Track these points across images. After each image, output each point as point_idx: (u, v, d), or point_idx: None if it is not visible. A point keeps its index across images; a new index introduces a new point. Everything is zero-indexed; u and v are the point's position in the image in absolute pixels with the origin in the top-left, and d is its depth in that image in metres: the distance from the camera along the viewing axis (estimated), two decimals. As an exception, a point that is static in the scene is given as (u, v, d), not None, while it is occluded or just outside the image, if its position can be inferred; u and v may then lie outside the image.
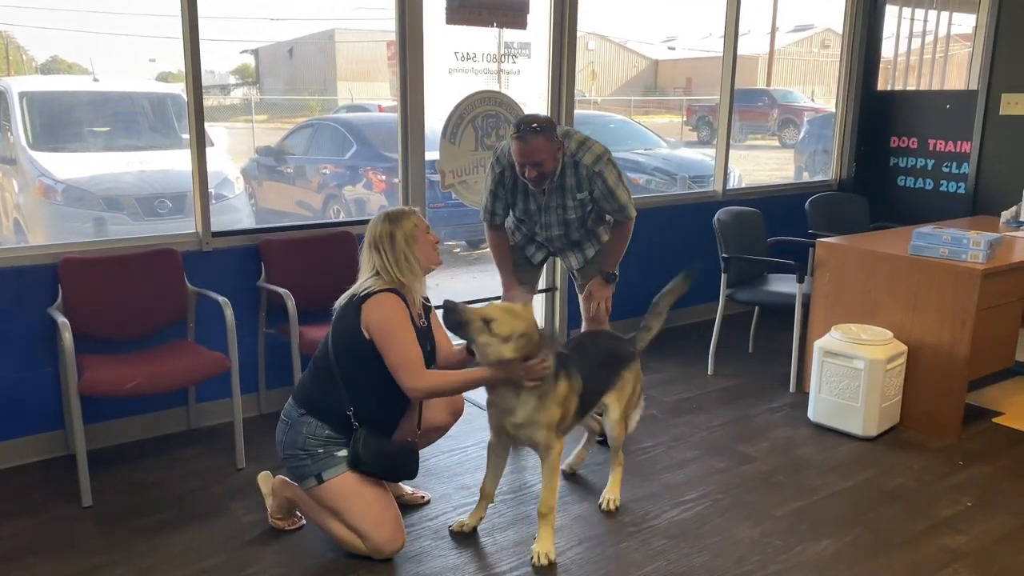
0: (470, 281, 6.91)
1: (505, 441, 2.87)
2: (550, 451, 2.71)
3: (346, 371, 2.63)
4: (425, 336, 2.74)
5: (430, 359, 2.77)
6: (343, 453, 2.63)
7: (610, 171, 3.31)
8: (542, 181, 3.26)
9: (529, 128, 3.13)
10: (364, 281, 2.66)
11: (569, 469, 3.32)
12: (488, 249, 3.76)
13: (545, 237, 3.53)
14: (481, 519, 2.92)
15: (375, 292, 2.60)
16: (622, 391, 3.05)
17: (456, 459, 3.44)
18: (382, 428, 2.72)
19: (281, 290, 3.51)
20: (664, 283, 3.42)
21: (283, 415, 2.72)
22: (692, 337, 4.99)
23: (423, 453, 3.28)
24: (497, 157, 3.40)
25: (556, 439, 2.73)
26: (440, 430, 3.02)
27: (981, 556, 2.78)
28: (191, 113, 3.50)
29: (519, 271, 3.65)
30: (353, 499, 2.61)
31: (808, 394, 3.91)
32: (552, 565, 2.68)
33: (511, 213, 3.53)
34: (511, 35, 4.38)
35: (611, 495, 3.07)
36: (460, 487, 3.20)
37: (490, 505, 3.00)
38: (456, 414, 3.02)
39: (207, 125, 3.60)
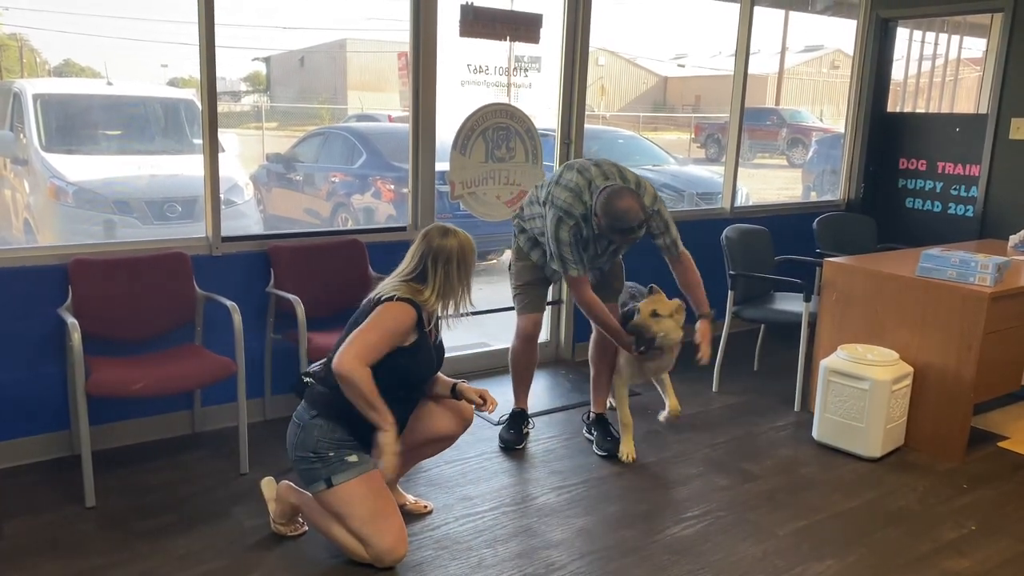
0: (475, 292, 6.91)
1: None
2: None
3: None
4: (434, 345, 2.82)
5: (438, 365, 2.86)
6: (354, 458, 2.63)
7: (663, 206, 3.41)
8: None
9: (637, 226, 3.19)
10: (392, 283, 2.70)
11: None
12: (494, 261, 3.78)
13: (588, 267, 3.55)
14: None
15: (394, 298, 2.64)
16: None
17: (459, 470, 3.44)
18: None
19: (291, 296, 3.52)
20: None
21: (295, 417, 2.72)
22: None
23: (426, 464, 3.29)
24: (566, 210, 3.26)
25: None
26: (448, 439, 3.02)
27: (984, 580, 2.78)
28: (205, 119, 3.52)
29: (535, 288, 3.63)
30: (359, 505, 2.61)
31: (813, 413, 3.90)
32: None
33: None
34: (522, 49, 4.41)
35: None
36: (462, 498, 3.20)
37: (493, 515, 3.05)
38: (465, 424, 2.99)
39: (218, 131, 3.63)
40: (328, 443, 2.63)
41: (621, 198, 3.18)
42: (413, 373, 2.73)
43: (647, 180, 3.43)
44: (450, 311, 2.77)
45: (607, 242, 3.38)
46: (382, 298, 2.64)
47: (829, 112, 19.44)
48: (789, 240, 5.09)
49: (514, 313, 3.68)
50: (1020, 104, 5.17)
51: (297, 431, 2.68)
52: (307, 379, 2.75)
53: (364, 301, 2.75)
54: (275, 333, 3.79)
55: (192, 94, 6.52)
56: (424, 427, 2.90)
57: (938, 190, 5.69)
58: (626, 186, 3.25)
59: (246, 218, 6.27)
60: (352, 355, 2.55)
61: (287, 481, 2.87)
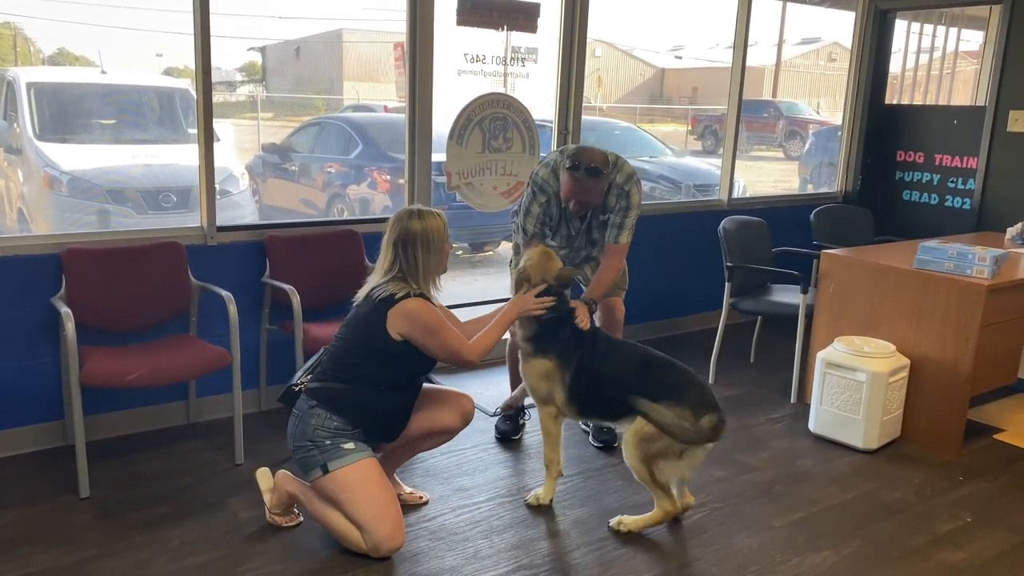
0: (472, 284, 6.89)
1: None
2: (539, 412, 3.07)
3: (364, 368, 2.69)
4: None
5: (433, 364, 2.82)
6: (350, 446, 2.65)
7: (636, 191, 3.37)
8: (584, 210, 3.33)
9: (590, 169, 3.15)
10: (382, 282, 2.71)
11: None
12: (491, 252, 3.77)
13: (571, 256, 3.55)
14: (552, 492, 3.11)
15: (401, 297, 2.65)
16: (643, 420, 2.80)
17: (455, 460, 3.43)
18: (389, 423, 2.80)
19: (286, 286, 3.50)
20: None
21: (294, 408, 2.74)
22: (694, 346, 4.98)
23: (422, 454, 3.28)
24: (540, 186, 3.35)
25: (541, 406, 3.04)
26: (448, 434, 3.01)
27: (980, 572, 2.77)
28: (200, 109, 3.49)
29: None
30: (357, 490, 2.62)
31: (809, 405, 3.90)
32: (540, 507, 3.06)
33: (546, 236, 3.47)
34: (518, 39, 4.38)
35: (626, 520, 2.92)
36: (458, 488, 3.20)
37: (489, 506, 3.04)
38: (466, 418, 2.98)
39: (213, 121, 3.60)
40: (325, 432, 2.64)
41: (587, 147, 3.22)
42: (420, 363, 2.77)
43: (630, 165, 3.42)
44: (435, 289, 2.80)
45: (579, 221, 3.39)
46: (396, 297, 2.65)
47: (826, 104, 19.44)
48: (786, 232, 5.08)
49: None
50: (1018, 96, 5.15)
51: (296, 421, 2.71)
52: (298, 387, 2.76)
53: (363, 299, 2.74)
54: (271, 323, 3.77)
55: (187, 83, 6.49)
56: (424, 420, 2.89)
57: (935, 182, 5.68)
58: (599, 174, 3.21)
59: (241, 208, 6.25)
60: (467, 353, 2.75)
61: (285, 471, 2.87)
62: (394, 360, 2.70)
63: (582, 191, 3.21)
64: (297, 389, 2.76)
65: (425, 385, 2.94)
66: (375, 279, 2.75)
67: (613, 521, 2.94)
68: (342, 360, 2.73)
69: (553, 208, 3.38)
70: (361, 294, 2.77)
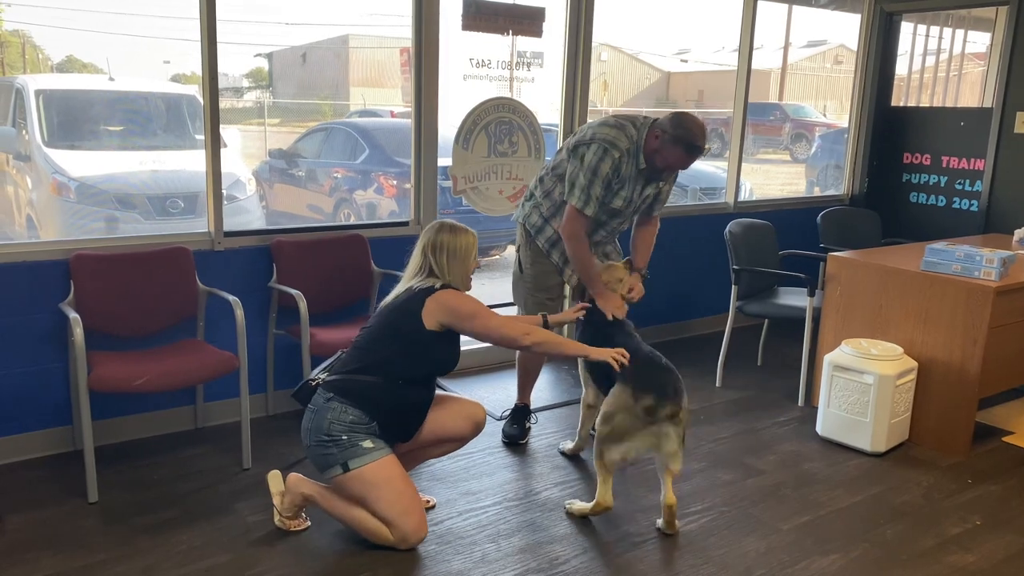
0: (478, 288, 6.87)
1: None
2: None
3: (387, 359, 2.72)
4: (454, 340, 2.84)
5: (455, 363, 2.86)
6: (369, 444, 2.67)
7: None
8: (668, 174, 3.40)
9: (704, 150, 3.23)
10: (417, 278, 2.78)
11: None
12: (496, 256, 3.76)
13: (614, 229, 3.51)
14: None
15: (438, 288, 2.73)
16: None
17: (462, 464, 3.43)
18: (404, 420, 2.82)
19: (293, 291, 3.51)
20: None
21: (310, 404, 2.76)
22: (701, 349, 4.97)
23: (430, 460, 3.28)
24: (612, 142, 3.19)
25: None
26: (458, 441, 3.02)
27: (989, 575, 2.76)
28: (207, 115, 3.51)
29: (553, 293, 3.56)
30: (384, 487, 2.66)
31: (817, 408, 3.90)
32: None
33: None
34: (524, 44, 4.40)
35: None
36: (465, 492, 3.20)
37: (496, 510, 3.05)
38: (477, 427, 2.99)
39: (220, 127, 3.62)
40: (341, 426, 2.66)
41: (694, 117, 3.21)
42: (444, 360, 2.81)
43: None
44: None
45: (643, 185, 3.35)
46: (435, 287, 2.73)
47: (832, 107, 19.39)
48: (793, 235, 5.08)
49: (514, 309, 3.67)
50: (1025, 98, 5.14)
51: (311, 416, 2.72)
52: (315, 383, 2.78)
53: (400, 292, 2.79)
54: (277, 328, 3.78)
55: (194, 90, 6.51)
56: (434, 426, 2.90)
57: (943, 184, 5.67)
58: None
59: (248, 213, 6.26)
60: (521, 334, 2.81)
61: (297, 473, 2.88)
62: (420, 351, 2.73)
63: (682, 166, 3.32)
64: (314, 384, 2.77)
65: (437, 392, 2.95)
66: (405, 282, 2.81)
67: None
68: (367, 348, 2.76)
69: (623, 167, 3.23)
70: (398, 290, 2.82)
